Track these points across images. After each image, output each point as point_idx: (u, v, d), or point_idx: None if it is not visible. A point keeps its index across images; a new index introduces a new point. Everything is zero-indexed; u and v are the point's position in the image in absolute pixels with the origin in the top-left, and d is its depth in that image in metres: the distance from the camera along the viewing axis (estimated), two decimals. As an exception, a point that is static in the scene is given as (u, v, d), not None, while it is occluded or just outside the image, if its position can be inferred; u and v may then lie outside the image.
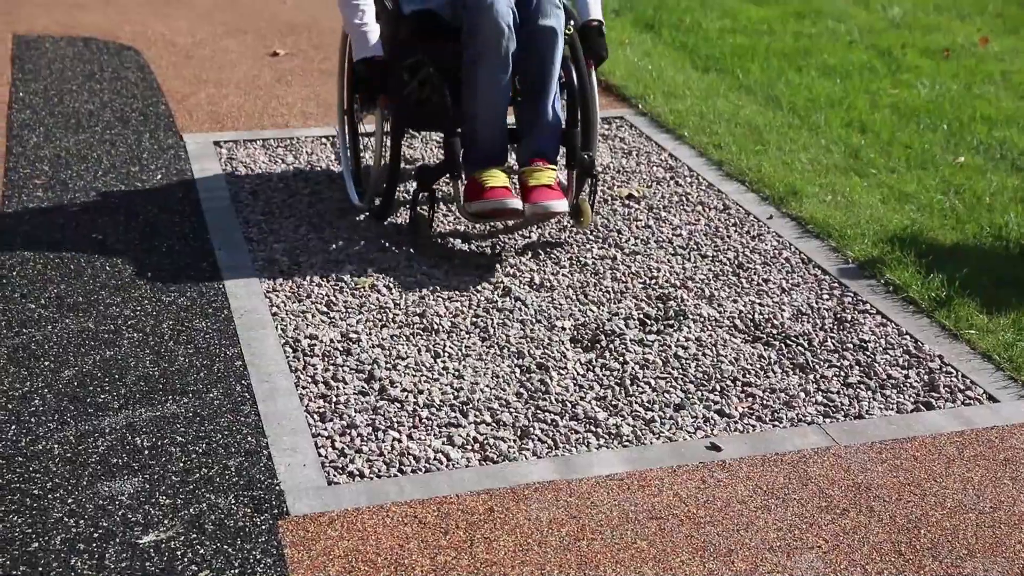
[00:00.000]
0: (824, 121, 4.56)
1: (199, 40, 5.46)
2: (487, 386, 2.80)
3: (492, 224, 3.56)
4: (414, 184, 3.70)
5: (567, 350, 2.97)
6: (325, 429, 2.62)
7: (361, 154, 3.80)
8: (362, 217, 3.68)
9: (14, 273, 3.24)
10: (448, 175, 3.33)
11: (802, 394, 2.81)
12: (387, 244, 3.50)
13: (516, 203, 3.22)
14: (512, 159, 3.63)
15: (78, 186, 3.81)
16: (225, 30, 5.63)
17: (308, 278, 3.29)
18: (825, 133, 4.44)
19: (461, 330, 3.04)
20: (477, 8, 3.22)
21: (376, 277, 3.30)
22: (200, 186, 3.86)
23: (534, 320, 3.10)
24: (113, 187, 3.82)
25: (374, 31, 3.36)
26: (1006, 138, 4.39)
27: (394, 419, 2.66)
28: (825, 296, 3.28)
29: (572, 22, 3.42)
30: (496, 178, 3.26)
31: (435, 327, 3.05)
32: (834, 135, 4.42)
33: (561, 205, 3.22)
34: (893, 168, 4.12)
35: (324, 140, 4.31)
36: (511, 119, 3.47)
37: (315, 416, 2.67)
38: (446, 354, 2.93)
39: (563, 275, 3.33)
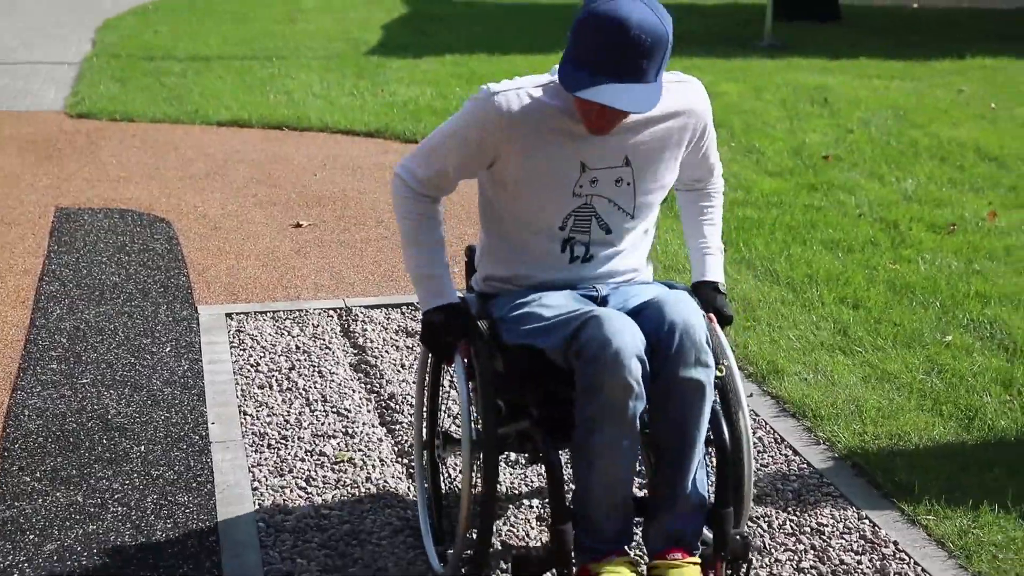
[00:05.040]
0: (818, 297, 4.67)
1: (229, 212, 5.75)
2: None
3: None
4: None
5: (530, 531, 3.07)
6: (283, 607, 2.74)
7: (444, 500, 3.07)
8: (355, 396, 3.84)
9: (16, 446, 3.43)
10: (555, 570, 2.53)
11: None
12: (366, 424, 3.65)
13: None
14: (638, 535, 2.83)
15: (91, 358, 4.03)
16: (255, 202, 5.94)
17: (293, 452, 3.44)
18: (817, 309, 4.56)
19: (430, 508, 3.15)
20: (597, 359, 2.41)
21: (354, 451, 3.44)
22: (206, 359, 4.06)
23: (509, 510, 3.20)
24: (123, 360, 4.03)
25: (447, 275, 2.70)
26: (997, 316, 4.47)
27: (351, 598, 2.77)
28: (792, 478, 3.35)
29: (721, 365, 2.61)
30: (618, 574, 2.49)
31: (403, 502, 3.17)
32: (826, 311, 4.53)
33: None
34: (880, 346, 4.21)
35: (331, 312, 4.51)
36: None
37: (276, 593, 2.79)
38: (411, 529, 3.04)
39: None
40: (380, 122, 7.62)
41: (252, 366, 4.03)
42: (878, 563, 2.94)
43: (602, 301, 2.66)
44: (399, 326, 4.41)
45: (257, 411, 3.71)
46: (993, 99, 8.74)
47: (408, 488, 3.26)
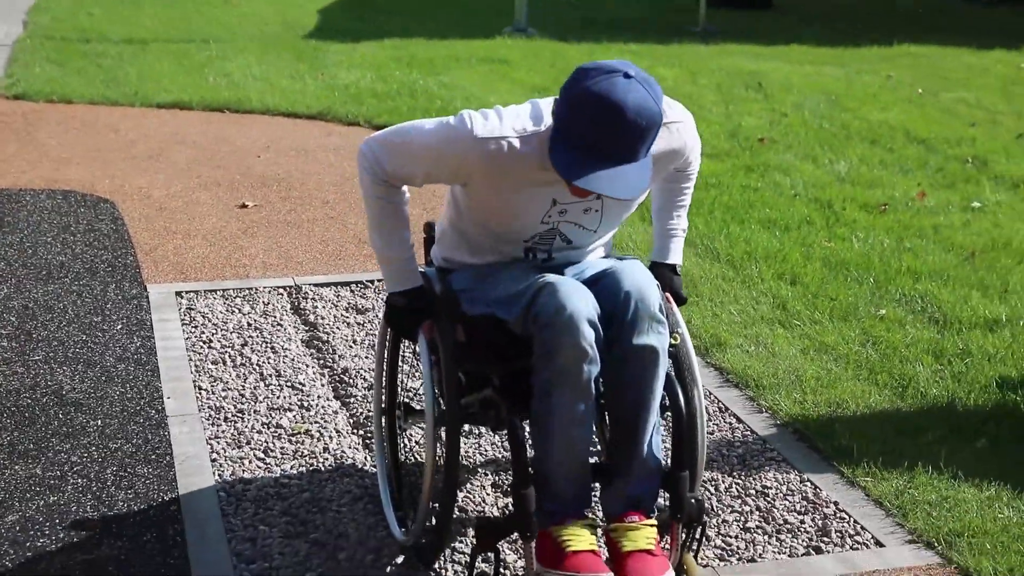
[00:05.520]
0: (758, 273, 4.81)
1: (173, 193, 5.76)
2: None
3: None
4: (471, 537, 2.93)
5: (487, 497, 3.16)
6: (248, 571, 2.80)
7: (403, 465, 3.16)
8: (309, 371, 3.90)
9: (-28, 420, 3.45)
10: (518, 533, 2.56)
11: (702, 539, 2.97)
12: (321, 398, 3.72)
13: None
14: (596, 503, 2.88)
15: (41, 336, 4.04)
16: (199, 183, 5.94)
17: (250, 425, 3.50)
18: (757, 285, 4.69)
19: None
20: (551, 324, 2.49)
21: (310, 424, 3.51)
22: (158, 335, 4.09)
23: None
24: (74, 337, 4.05)
25: (411, 257, 2.73)
26: (928, 291, 4.64)
27: (315, 560, 2.84)
28: (736, 444, 3.48)
29: (676, 334, 2.72)
30: (579, 538, 2.53)
31: (361, 471, 3.24)
32: (765, 287, 4.67)
33: None
34: (817, 320, 4.35)
35: (281, 290, 4.56)
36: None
37: (240, 560, 2.84)
38: (369, 496, 3.12)
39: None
40: (322, 105, 7.64)
41: (204, 343, 4.07)
42: (820, 522, 3.07)
43: (558, 271, 2.71)
44: (349, 303, 4.46)
45: (212, 386, 3.75)
46: (920, 85, 8.98)
47: (365, 458, 3.34)
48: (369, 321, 4.29)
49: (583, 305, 2.50)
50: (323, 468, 3.27)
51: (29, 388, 3.66)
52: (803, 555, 2.94)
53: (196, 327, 4.20)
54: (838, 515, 3.11)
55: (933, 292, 4.63)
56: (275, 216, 5.47)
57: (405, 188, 2.71)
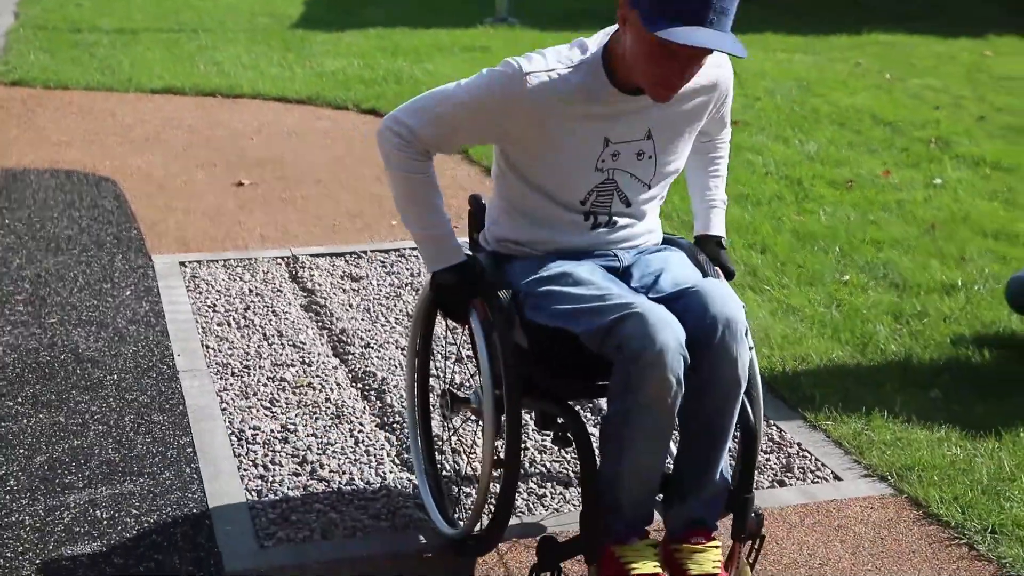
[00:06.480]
0: (730, 243, 5.09)
1: (172, 173, 6.00)
2: (403, 473, 3.24)
3: None
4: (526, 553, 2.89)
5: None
6: (260, 503, 3.06)
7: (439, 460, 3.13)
8: (309, 331, 4.16)
9: (-4, 375, 3.70)
10: (582, 554, 2.54)
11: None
12: (321, 355, 3.98)
13: None
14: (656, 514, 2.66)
15: (55, 301, 4.29)
16: (196, 164, 6.19)
17: (256, 379, 3.75)
18: (729, 254, 4.94)
19: (393, 420, 3.49)
20: (638, 358, 2.35)
21: (312, 377, 3.77)
22: (165, 300, 4.34)
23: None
24: (87, 302, 4.29)
25: (452, 233, 2.59)
26: (889, 259, 4.93)
27: (322, 494, 3.10)
28: (708, 394, 3.75)
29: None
30: (643, 560, 2.47)
31: (360, 419, 3.50)
32: (736, 256, 4.95)
33: None
34: (785, 285, 4.64)
35: (279, 260, 4.81)
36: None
37: (253, 493, 3.10)
38: (368, 440, 3.38)
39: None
40: (311, 90, 7.89)
41: (209, 307, 4.32)
42: (784, 460, 3.35)
43: (624, 271, 2.64)
44: (344, 272, 4.72)
45: (219, 345, 4.00)
46: (888, 71, 9.29)
47: (364, 408, 3.59)
48: (363, 288, 4.55)
49: (672, 337, 2.35)
50: (326, 416, 3.53)
51: (47, 347, 3.91)
52: (768, 488, 3.21)
53: (201, 293, 4.44)
54: (800, 454, 3.39)
55: (895, 260, 4.92)
56: (270, 193, 5.72)
57: (433, 165, 2.62)
